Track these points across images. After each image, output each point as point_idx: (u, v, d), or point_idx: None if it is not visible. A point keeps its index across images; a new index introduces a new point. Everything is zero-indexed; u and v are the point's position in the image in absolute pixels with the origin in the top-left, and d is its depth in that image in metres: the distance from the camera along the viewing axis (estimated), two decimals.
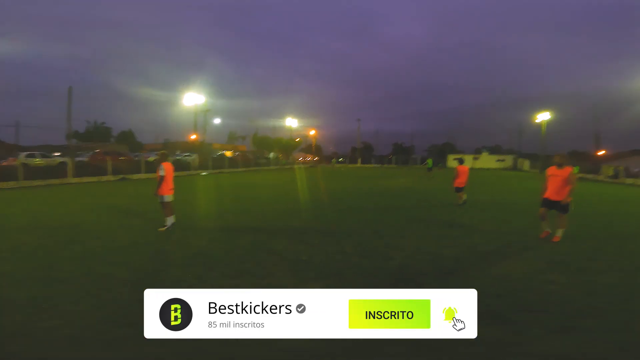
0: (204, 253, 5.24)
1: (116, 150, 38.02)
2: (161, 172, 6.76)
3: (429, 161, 32.11)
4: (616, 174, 32.51)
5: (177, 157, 35.89)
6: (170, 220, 6.87)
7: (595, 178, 33.07)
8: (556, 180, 6.04)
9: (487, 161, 56.22)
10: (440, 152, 64.40)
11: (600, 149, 49.68)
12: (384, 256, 5.11)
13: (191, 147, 42.46)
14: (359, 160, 58.84)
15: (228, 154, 46.61)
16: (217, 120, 57.73)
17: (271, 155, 51.46)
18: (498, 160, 56.74)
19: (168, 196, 6.85)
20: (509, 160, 56.34)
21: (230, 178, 24.45)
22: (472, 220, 8.24)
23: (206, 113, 42.24)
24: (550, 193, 6.09)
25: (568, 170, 5.98)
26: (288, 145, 55.24)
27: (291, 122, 57.08)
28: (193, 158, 33.73)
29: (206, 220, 7.85)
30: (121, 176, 21.86)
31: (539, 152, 47.57)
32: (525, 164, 52.07)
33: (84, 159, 26.65)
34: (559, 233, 6.05)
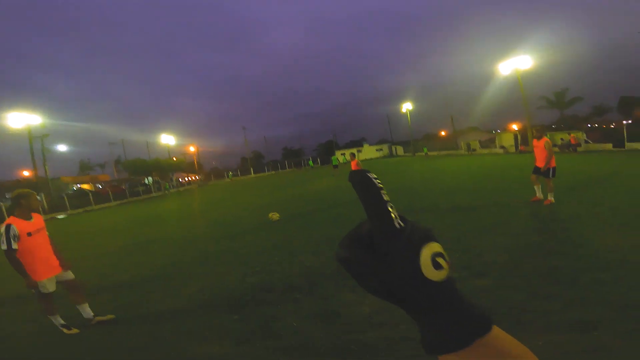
0: None
1: None
2: (13, 242, 3.26)
3: (334, 158, 32.38)
4: (469, 148, 39.85)
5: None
6: (58, 321, 3.65)
7: (455, 153, 39.70)
8: (538, 151, 6.78)
9: (369, 152, 61.61)
10: (326, 150, 67.19)
11: (447, 130, 60.66)
12: None
13: (31, 186, 31.44)
14: (252, 170, 55.60)
15: (87, 186, 36.84)
16: (61, 147, 45.13)
17: (149, 180, 43.24)
18: (377, 150, 62.86)
19: (49, 281, 3.54)
20: (385, 149, 63.10)
21: (108, 216, 18.42)
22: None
23: (44, 138, 32.03)
24: (537, 161, 6.83)
25: (543, 140, 6.69)
26: (167, 167, 47.59)
27: (167, 140, 49.46)
28: (39, 200, 24.79)
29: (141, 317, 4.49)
30: None
31: (408, 137, 54.67)
32: (399, 150, 59.31)
33: None
34: (550, 196, 6.59)
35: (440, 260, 0.31)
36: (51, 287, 3.56)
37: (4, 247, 3.27)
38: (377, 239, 0.31)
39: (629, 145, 18.39)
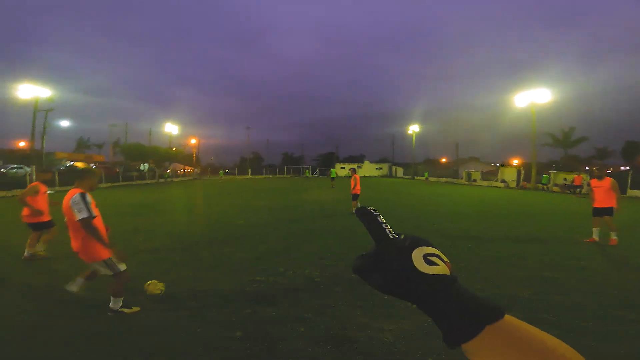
0: None
1: None
2: None
3: (332, 171, 32.13)
4: (469, 178, 39.67)
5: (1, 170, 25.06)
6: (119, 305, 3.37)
7: (456, 181, 39.50)
8: (600, 191, 6.56)
9: (369, 169, 61.30)
10: (326, 161, 66.82)
11: (449, 157, 60.89)
12: None
13: (23, 158, 30.64)
14: (249, 170, 55.01)
15: (80, 164, 36.09)
16: (64, 123, 44.45)
17: (145, 166, 42.53)
18: (377, 169, 62.59)
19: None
20: (385, 168, 62.87)
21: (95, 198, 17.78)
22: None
23: (48, 113, 31.39)
24: (598, 202, 6.57)
25: (608, 180, 6.49)
26: (166, 156, 46.92)
27: (170, 129, 48.94)
28: (28, 172, 24.17)
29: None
30: None
31: (409, 160, 54.70)
32: (399, 171, 59.11)
33: None
34: (613, 235, 6.37)
35: (433, 259, 0.37)
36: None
37: (84, 215, 2.98)
38: (378, 248, 0.40)
39: (630, 192, 18.20)
